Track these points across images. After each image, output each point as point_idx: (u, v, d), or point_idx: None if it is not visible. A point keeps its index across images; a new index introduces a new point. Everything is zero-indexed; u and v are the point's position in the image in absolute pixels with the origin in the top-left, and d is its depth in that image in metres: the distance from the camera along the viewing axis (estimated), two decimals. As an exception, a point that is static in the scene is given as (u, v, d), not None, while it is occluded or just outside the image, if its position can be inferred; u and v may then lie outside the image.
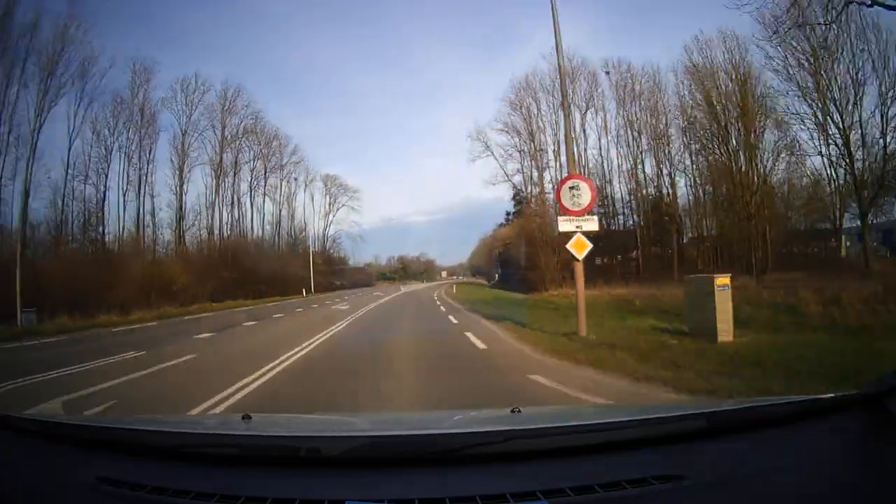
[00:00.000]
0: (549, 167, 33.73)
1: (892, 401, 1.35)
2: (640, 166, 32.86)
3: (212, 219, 38.46)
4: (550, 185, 32.06)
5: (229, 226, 40.10)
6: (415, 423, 2.07)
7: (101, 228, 31.55)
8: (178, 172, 36.27)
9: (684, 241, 32.43)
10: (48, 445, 1.55)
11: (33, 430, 1.62)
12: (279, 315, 20.46)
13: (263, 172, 43.87)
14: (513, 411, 1.76)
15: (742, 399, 3.08)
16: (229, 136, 40.00)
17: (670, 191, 32.49)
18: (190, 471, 1.37)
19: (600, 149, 33.45)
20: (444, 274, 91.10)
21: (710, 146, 29.76)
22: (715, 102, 28.58)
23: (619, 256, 33.57)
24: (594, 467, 1.28)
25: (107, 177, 31.67)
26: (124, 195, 32.82)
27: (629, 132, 32.84)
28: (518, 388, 5.54)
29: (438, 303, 24.36)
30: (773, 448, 1.37)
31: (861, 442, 1.39)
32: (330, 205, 55.41)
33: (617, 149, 33.27)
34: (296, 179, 47.99)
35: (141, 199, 33.67)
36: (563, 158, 29.18)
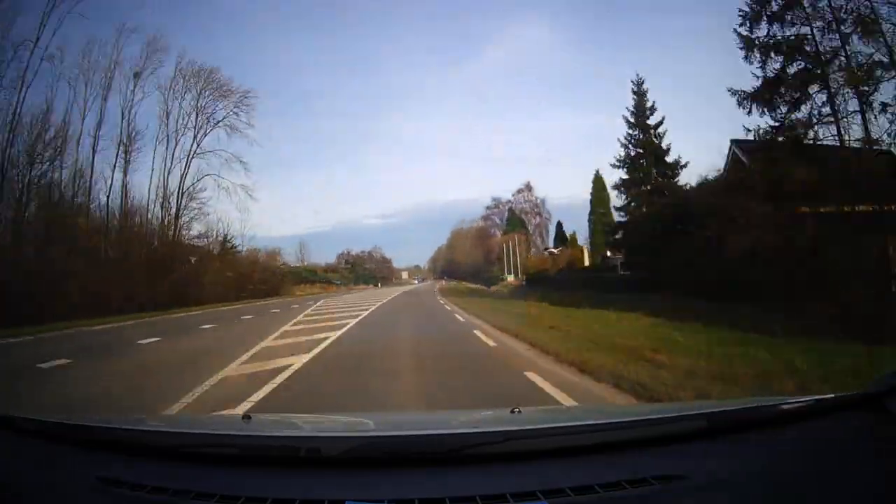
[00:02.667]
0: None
1: (892, 401, 1.35)
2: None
3: None
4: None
5: None
6: (415, 423, 2.07)
7: None
8: None
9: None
10: (48, 445, 1.55)
11: (33, 430, 1.61)
12: None
13: None
14: (513, 411, 1.76)
15: (742, 399, 3.08)
16: None
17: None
18: (190, 471, 1.37)
19: None
20: (405, 275, 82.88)
21: None
22: None
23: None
24: (594, 467, 1.27)
25: None
26: None
27: None
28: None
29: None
30: (774, 448, 1.37)
31: (861, 442, 1.38)
32: (197, 124, 29.34)
33: None
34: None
35: None
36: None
